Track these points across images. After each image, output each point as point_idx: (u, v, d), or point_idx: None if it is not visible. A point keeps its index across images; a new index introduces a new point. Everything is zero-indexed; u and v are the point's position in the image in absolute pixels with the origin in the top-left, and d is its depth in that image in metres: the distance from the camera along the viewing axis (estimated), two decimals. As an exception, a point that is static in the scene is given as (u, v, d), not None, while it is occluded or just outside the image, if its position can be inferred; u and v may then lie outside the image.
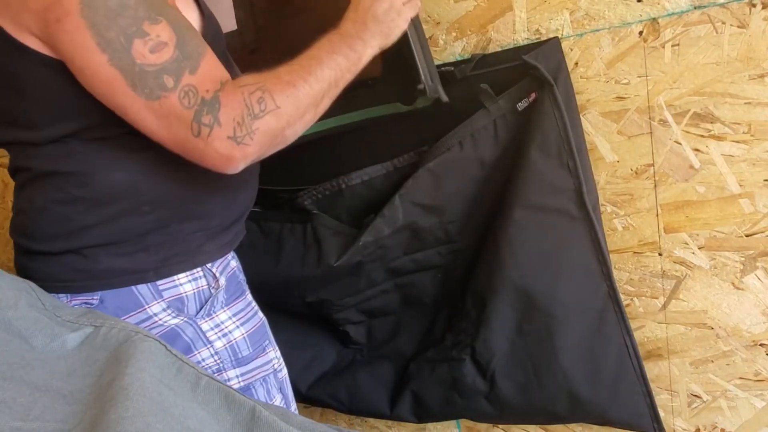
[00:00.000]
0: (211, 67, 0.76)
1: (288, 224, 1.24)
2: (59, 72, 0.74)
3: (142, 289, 0.83)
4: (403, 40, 0.98)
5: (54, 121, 0.79)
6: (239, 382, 0.90)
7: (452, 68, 1.12)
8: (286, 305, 1.26)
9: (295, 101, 0.79)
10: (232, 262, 0.96)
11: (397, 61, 1.02)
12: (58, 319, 0.61)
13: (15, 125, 0.81)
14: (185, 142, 0.75)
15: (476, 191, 1.12)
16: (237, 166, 0.77)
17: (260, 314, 0.97)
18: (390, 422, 1.47)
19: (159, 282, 0.84)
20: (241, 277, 0.99)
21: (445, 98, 1.04)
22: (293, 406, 1.03)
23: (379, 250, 1.16)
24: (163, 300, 0.84)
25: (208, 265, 0.89)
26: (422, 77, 1.01)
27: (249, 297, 0.97)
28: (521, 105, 1.06)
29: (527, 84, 1.05)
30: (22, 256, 0.87)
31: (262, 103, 0.77)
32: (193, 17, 0.84)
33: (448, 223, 1.15)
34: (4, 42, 0.74)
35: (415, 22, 1.00)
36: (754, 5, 0.92)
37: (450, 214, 1.14)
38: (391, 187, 1.17)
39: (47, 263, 0.83)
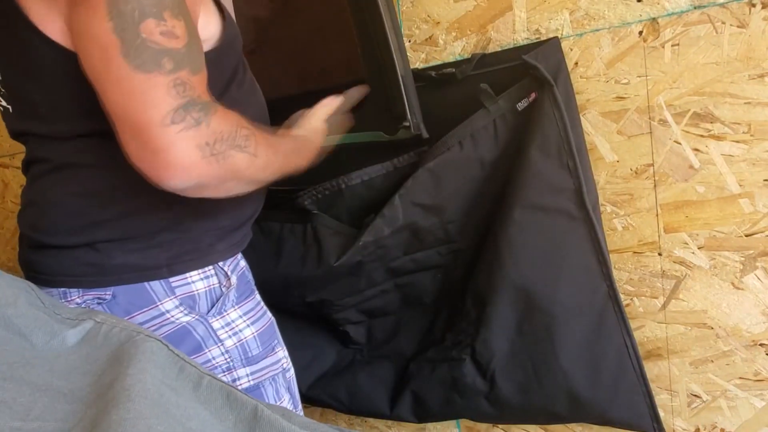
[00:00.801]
0: (206, 83, 0.74)
1: (288, 224, 1.24)
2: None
3: (155, 285, 0.84)
4: (392, 76, 1.03)
5: (80, 117, 0.78)
6: (249, 381, 0.90)
7: (453, 69, 1.12)
8: (286, 305, 1.26)
9: (267, 162, 0.80)
10: (242, 261, 0.97)
11: (382, 92, 1.06)
12: (58, 317, 0.61)
13: (38, 118, 0.81)
14: (152, 126, 0.67)
15: (476, 191, 1.12)
16: (182, 179, 0.70)
17: (269, 314, 0.98)
18: (390, 422, 1.47)
19: (172, 279, 0.84)
20: (250, 276, 0.99)
21: (425, 135, 1.08)
22: (300, 406, 1.03)
23: (379, 250, 1.16)
24: (176, 297, 0.85)
25: (220, 264, 0.90)
26: (408, 115, 1.05)
27: (258, 296, 0.98)
28: (521, 105, 1.06)
29: (527, 84, 1.05)
30: (30, 250, 0.87)
31: (247, 141, 0.76)
32: (214, 20, 0.84)
33: (448, 223, 1.15)
34: (35, 37, 0.74)
35: (403, 53, 1.03)
36: (753, 5, 0.92)
37: (450, 214, 1.14)
38: (391, 186, 1.16)
39: (59, 257, 0.83)
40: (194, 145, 0.69)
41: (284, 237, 1.24)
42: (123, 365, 0.52)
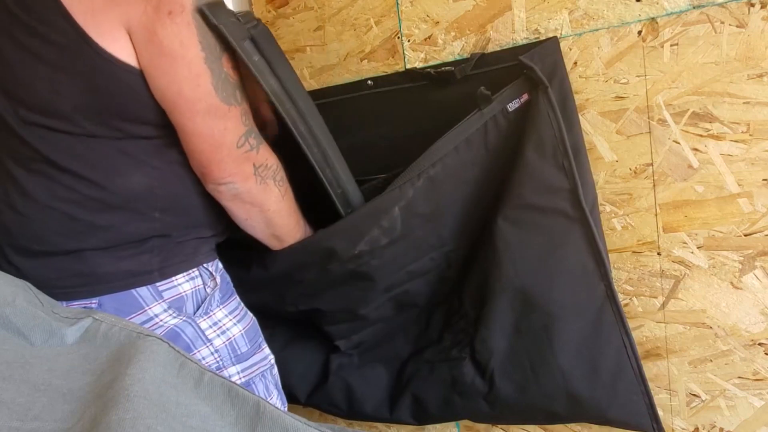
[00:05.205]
0: None
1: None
2: (119, 70, 0.76)
3: (143, 291, 0.83)
4: None
5: (94, 116, 0.78)
6: (240, 379, 0.91)
7: (452, 68, 1.12)
8: (278, 312, 1.20)
9: (287, 213, 0.96)
10: (219, 264, 0.98)
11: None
12: (56, 316, 0.60)
13: (43, 112, 0.79)
14: (228, 146, 0.83)
15: (469, 194, 1.10)
16: (236, 185, 0.85)
17: (250, 314, 0.99)
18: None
19: (159, 283, 0.84)
20: (228, 278, 1.00)
21: None
22: (286, 402, 1.04)
23: (374, 261, 1.11)
24: (164, 301, 0.85)
25: (205, 265, 0.91)
26: None
27: (238, 297, 0.99)
28: (512, 106, 1.05)
29: (520, 84, 1.05)
30: (3, 260, 0.83)
31: (282, 183, 0.92)
32: None
33: (442, 227, 1.12)
34: (75, 34, 0.75)
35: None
36: (752, 5, 0.93)
37: (445, 219, 1.12)
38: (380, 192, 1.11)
39: (41, 267, 0.81)
40: (251, 164, 0.86)
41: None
42: (122, 365, 0.52)
